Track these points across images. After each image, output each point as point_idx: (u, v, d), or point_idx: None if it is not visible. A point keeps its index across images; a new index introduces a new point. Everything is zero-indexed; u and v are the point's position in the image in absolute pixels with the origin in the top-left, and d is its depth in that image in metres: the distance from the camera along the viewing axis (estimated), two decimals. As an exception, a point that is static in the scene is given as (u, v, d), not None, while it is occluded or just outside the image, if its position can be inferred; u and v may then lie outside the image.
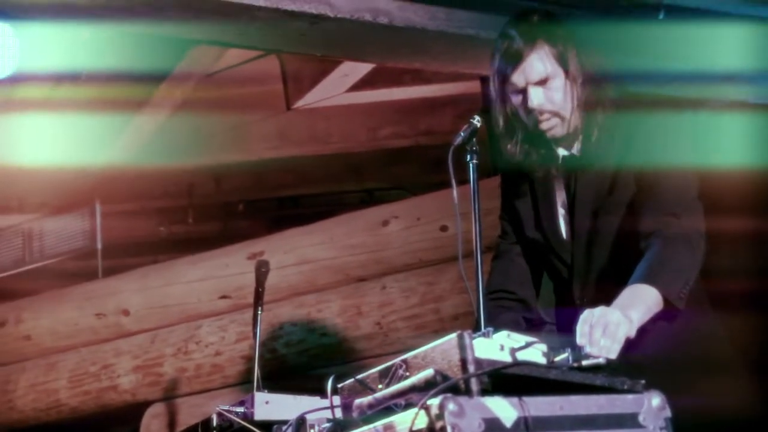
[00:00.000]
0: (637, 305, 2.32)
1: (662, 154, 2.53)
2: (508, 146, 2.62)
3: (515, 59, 2.52)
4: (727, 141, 3.92)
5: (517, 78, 2.53)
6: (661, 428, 2.05)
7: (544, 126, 2.56)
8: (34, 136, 5.45)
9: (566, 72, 2.53)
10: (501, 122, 2.60)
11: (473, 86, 5.38)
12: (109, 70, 4.90)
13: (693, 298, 2.45)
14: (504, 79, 2.55)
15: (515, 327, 2.39)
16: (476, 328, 2.26)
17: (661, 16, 3.82)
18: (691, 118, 2.69)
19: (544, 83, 2.53)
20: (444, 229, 4.95)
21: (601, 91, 2.56)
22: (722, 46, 3.93)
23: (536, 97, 2.53)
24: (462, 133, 2.49)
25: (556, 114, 2.55)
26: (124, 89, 5.16)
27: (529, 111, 2.55)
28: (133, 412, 5.88)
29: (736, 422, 2.44)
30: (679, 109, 2.86)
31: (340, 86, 5.98)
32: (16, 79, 3.89)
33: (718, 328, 2.62)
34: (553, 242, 2.67)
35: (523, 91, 2.54)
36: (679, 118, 2.65)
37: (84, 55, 4.60)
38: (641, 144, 2.55)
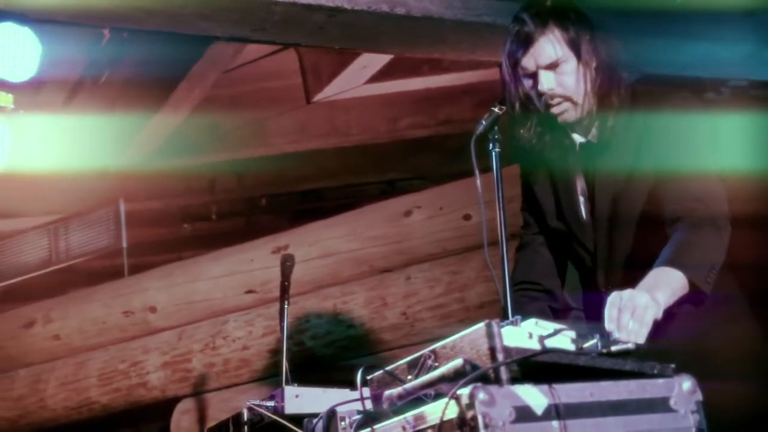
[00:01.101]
0: (662, 287, 2.31)
1: (679, 146, 2.50)
2: (523, 130, 2.62)
3: (525, 42, 2.51)
4: (746, 139, 3.86)
5: (528, 61, 2.53)
6: (692, 412, 2.04)
7: (555, 110, 2.55)
8: (57, 137, 5.49)
9: (578, 57, 2.51)
10: (516, 106, 2.58)
11: (492, 74, 5.36)
12: (128, 70, 4.93)
13: (721, 285, 2.43)
14: (515, 62, 2.55)
15: (542, 316, 2.38)
16: (503, 317, 2.26)
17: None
18: (710, 119, 2.64)
19: (555, 67, 2.52)
20: (467, 217, 4.93)
21: (617, 78, 2.55)
22: (740, 26, 3.89)
23: (546, 81, 2.52)
24: (483, 122, 2.50)
25: (567, 98, 2.54)
26: (144, 89, 5.19)
27: (540, 95, 2.54)
28: (163, 408, 5.92)
29: (760, 414, 2.43)
30: (696, 96, 2.82)
31: (358, 78, 5.97)
32: (37, 82, 3.92)
33: (748, 317, 2.59)
34: (575, 230, 2.66)
35: (534, 75, 2.54)
36: (696, 112, 2.62)
37: (104, 56, 4.63)
38: (659, 133, 2.52)
